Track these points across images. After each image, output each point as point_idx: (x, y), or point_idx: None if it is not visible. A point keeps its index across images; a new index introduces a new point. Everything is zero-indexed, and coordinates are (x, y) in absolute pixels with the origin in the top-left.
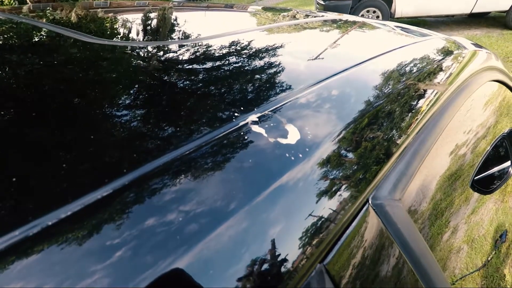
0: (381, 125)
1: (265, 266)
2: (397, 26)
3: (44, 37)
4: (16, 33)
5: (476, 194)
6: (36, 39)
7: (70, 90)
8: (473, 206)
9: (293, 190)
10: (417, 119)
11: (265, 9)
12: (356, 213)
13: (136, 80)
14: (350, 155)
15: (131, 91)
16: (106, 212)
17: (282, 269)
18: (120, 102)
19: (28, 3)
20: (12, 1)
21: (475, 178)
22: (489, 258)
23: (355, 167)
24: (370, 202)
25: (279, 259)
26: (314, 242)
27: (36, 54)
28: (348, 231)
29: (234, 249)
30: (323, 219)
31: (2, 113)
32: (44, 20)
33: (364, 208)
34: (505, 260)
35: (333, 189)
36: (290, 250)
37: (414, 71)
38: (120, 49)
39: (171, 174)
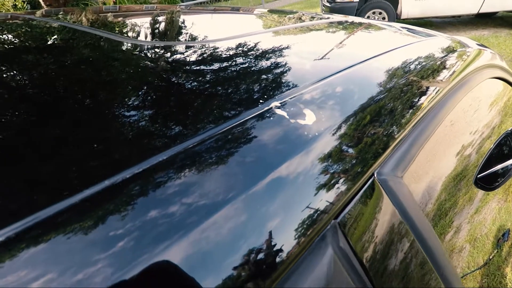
0: (386, 113)
1: (289, 219)
2: (403, 27)
3: (68, 37)
4: (38, 33)
5: (479, 192)
6: (61, 39)
7: (87, 86)
8: (476, 205)
9: (312, 161)
10: (419, 108)
11: (271, 11)
12: (363, 184)
13: (164, 76)
14: (359, 136)
15: (163, 84)
16: (112, 203)
17: (304, 221)
18: (154, 93)
19: (41, 8)
20: (25, 6)
21: (479, 176)
22: (490, 257)
23: (364, 147)
24: (375, 176)
25: (302, 214)
26: (329, 202)
27: (62, 52)
28: (356, 198)
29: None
30: (336, 185)
31: (21, 105)
32: (63, 21)
33: (370, 181)
34: (507, 258)
35: (346, 163)
36: (311, 207)
37: (419, 64)
38: (137, 47)
39: (176, 167)
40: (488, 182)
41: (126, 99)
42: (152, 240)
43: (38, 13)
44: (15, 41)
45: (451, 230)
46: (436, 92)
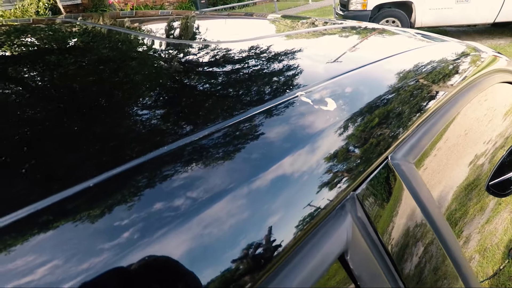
0: (400, 106)
1: (315, 188)
2: (417, 33)
3: (86, 38)
4: (59, 36)
5: (490, 202)
6: (80, 40)
7: (105, 83)
8: (487, 215)
9: (335, 142)
10: (432, 103)
11: (285, 17)
12: (378, 164)
13: (187, 72)
14: (374, 126)
15: (192, 78)
16: (119, 191)
17: (327, 190)
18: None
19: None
20: (47, 12)
21: (491, 182)
22: (501, 267)
23: (380, 134)
24: (389, 159)
25: (326, 184)
26: (349, 177)
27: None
28: (372, 175)
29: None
30: (356, 162)
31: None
32: (82, 25)
33: (384, 163)
34: None
35: (364, 145)
36: (333, 179)
37: (434, 63)
38: (166, 45)
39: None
40: (500, 189)
41: (158, 92)
42: (156, 231)
43: (59, 18)
44: (37, 43)
45: (460, 240)
46: (450, 89)
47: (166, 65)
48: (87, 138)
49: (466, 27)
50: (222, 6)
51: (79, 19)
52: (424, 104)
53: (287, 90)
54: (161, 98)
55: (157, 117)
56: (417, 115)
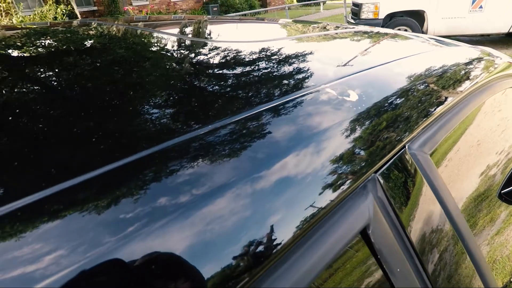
0: (417, 101)
1: (343, 169)
2: (431, 38)
3: (100, 40)
4: (76, 38)
5: (502, 213)
6: (96, 42)
7: (120, 80)
8: (498, 226)
9: (358, 128)
10: (446, 100)
11: (297, 21)
12: (397, 152)
13: (217, 68)
14: (394, 117)
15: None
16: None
17: (351, 170)
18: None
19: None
20: (64, 18)
21: (503, 191)
22: (511, 279)
23: (399, 124)
24: (406, 148)
25: (350, 164)
26: (370, 159)
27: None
28: (392, 160)
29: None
30: (377, 148)
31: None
32: (97, 28)
33: (402, 150)
34: None
35: (384, 133)
36: (357, 160)
37: (451, 64)
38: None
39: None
40: None
41: (181, 84)
42: (159, 225)
43: (75, 22)
44: (56, 43)
45: None
46: (465, 90)
47: (185, 62)
48: (96, 131)
49: (479, 37)
50: (234, 14)
51: (94, 22)
52: (441, 100)
53: (312, 83)
54: (176, 94)
55: (166, 112)
56: (433, 110)
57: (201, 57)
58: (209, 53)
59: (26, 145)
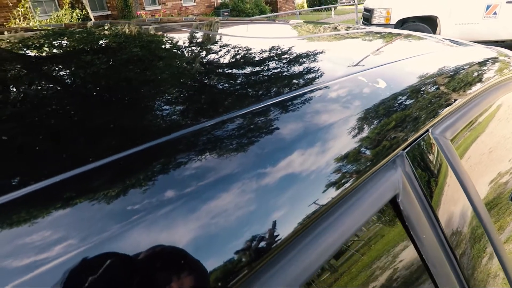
0: (442, 89)
1: (375, 145)
2: (445, 39)
3: (114, 40)
4: (90, 38)
5: None
6: (110, 41)
7: (136, 76)
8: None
9: (387, 110)
10: (467, 91)
11: (307, 22)
12: (422, 134)
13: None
14: (418, 102)
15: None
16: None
17: (382, 147)
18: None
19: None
20: (79, 21)
21: None
22: None
23: (423, 110)
24: (430, 132)
25: (381, 142)
26: (399, 137)
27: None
28: (417, 141)
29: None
30: (405, 129)
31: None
32: (110, 29)
33: (426, 134)
34: None
35: (410, 117)
36: (388, 138)
37: (469, 62)
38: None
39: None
40: None
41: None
42: (162, 216)
43: (89, 23)
44: (69, 44)
45: (486, 256)
46: (483, 84)
47: (199, 58)
48: (108, 124)
49: (493, 43)
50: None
51: (107, 24)
52: (462, 93)
53: (344, 72)
54: (188, 88)
55: (175, 105)
56: (454, 101)
57: (214, 53)
58: (221, 49)
59: (44, 135)
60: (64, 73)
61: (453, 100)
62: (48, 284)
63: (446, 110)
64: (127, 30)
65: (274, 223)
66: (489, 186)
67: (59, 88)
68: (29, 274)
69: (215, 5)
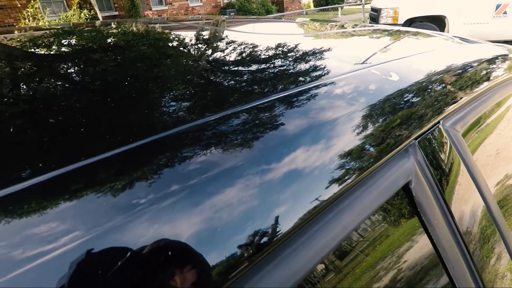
0: (447, 87)
1: (390, 133)
2: (455, 36)
3: (122, 38)
4: (98, 36)
5: None
6: (118, 39)
7: (147, 71)
8: None
9: (401, 101)
10: (478, 86)
11: (314, 20)
12: (433, 125)
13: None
14: (430, 95)
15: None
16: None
17: (396, 136)
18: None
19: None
20: (88, 18)
21: None
22: None
23: (435, 103)
24: (441, 123)
25: (394, 130)
26: (411, 126)
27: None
28: (429, 131)
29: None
30: (417, 120)
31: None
32: (118, 27)
33: (437, 125)
34: None
35: (422, 109)
36: (401, 127)
37: (483, 56)
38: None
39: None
40: None
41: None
42: (167, 208)
43: (98, 22)
44: (78, 42)
45: (494, 256)
46: (494, 80)
47: (208, 53)
48: (115, 117)
49: (503, 43)
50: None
51: (114, 22)
52: (473, 86)
53: (360, 63)
54: (195, 83)
55: (180, 99)
56: (464, 95)
57: (225, 49)
58: (229, 45)
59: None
60: (75, 69)
61: (463, 95)
62: (52, 273)
63: (457, 104)
64: (135, 29)
65: (291, 210)
66: (498, 178)
67: (70, 83)
68: (36, 261)
69: (221, 5)
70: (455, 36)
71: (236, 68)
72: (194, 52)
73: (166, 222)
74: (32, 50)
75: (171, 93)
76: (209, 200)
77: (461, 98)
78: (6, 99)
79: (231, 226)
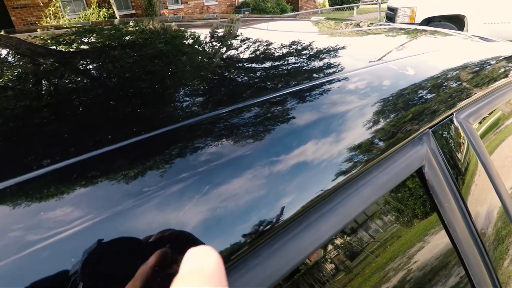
0: (461, 81)
1: (404, 121)
2: (474, 36)
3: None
4: (115, 34)
5: None
6: (134, 36)
7: (161, 68)
8: None
9: (417, 96)
10: (492, 81)
11: (329, 18)
12: (447, 116)
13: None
14: (445, 88)
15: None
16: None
17: (410, 125)
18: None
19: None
20: (106, 17)
21: None
22: None
23: (449, 96)
24: (454, 115)
25: (410, 120)
26: (425, 117)
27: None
28: (443, 121)
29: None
30: (430, 108)
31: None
32: (135, 25)
33: (451, 116)
34: None
35: (438, 100)
36: (415, 119)
37: (497, 53)
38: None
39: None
40: None
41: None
42: (175, 198)
43: (116, 21)
44: (99, 39)
45: (508, 258)
46: (508, 77)
47: (226, 49)
48: (129, 109)
49: None
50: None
51: (132, 20)
52: (487, 82)
53: (376, 59)
54: (210, 76)
55: (193, 92)
56: (478, 90)
57: (236, 45)
58: (243, 42)
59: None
60: (95, 65)
61: (477, 89)
62: (62, 255)
63: (471, 98)
64: (152, 27)
65: (306, 188)
66: (507, 172)
67: (91, 78)
68: (49, 240)
69: (236, 4)
70: (474, 35)
71: (250, 64)
72: (210, 49)
73: (176, 209)
74: (55, 47)
75: (187, 88)
76: (219, 188)
77: (475, 92)
78: (31, 92)
79: (249, 211)
